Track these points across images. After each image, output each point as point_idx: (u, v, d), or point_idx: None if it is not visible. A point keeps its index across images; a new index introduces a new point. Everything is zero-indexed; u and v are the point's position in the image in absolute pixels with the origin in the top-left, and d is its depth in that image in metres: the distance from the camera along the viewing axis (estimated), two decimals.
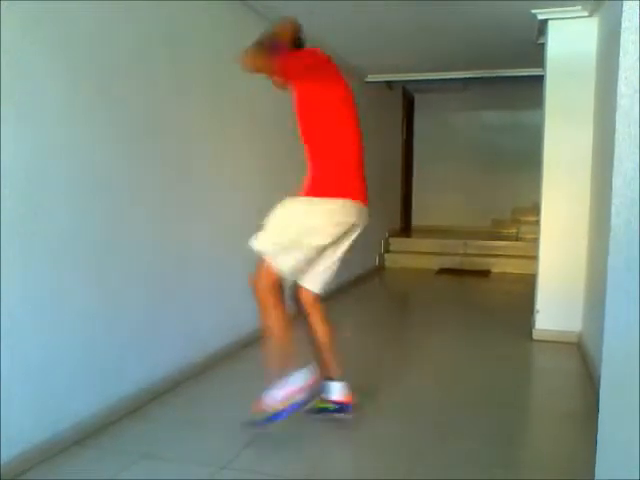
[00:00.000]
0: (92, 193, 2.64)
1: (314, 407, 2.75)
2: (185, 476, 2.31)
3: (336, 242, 2.60)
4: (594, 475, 1.49)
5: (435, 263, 7.53)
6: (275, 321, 2.59)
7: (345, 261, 2.72)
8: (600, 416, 1.45)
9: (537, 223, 4.35)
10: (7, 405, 2.24)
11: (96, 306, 2.68)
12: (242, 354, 3.85)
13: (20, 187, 2.26)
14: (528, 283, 4.63)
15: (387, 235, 7.95)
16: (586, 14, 3.95)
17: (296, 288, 2.73)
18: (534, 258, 4.42)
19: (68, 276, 2.51)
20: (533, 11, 4.01)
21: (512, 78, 6.33)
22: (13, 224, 2.23)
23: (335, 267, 2.72)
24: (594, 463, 1.48)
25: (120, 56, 2.79)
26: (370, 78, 6.51)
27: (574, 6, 3.91)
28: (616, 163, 1.32)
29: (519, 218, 8.21)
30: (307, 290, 2.74)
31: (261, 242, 2.55)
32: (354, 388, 2.97)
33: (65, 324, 2.51)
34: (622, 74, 1.31)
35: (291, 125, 2.64)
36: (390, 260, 7.77)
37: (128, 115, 2.86)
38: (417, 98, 9.10)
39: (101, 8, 2.63)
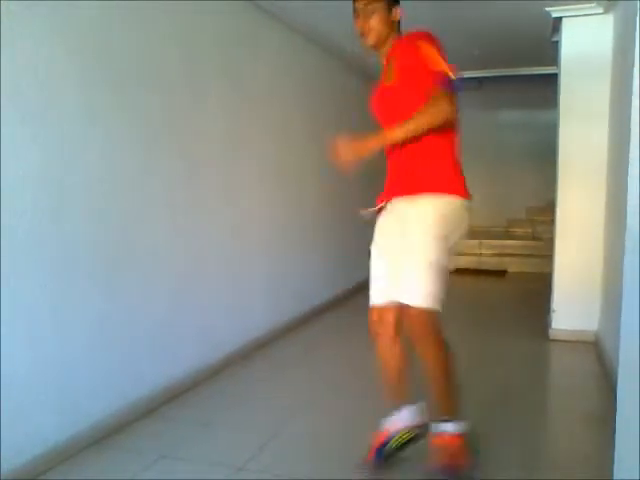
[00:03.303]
0: (108, 195, 2.67)
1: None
2: (202, 477, 2.32)
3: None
4: (612, 475, 1.49)
5: (451, 263, 7.48)
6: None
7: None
8: (618, 416, 1.45)
9: (552, 222, 4.31)
10: (27, 407, 2.28)
11: (113, 308, 2.71)
12: (258, 355, 3.87)
13: (38, 191, 2.30)
14: (545, 283, 4.59)
15: None
16: (601, 11, 3.92)
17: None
18: (550, 257, 4.39)
19: (86, 278, 2.55)
20: (547, 9, 3.98)
21: (526, 76, 6.29)
22: (33, 228, 2.27)
23: None
24: (612, 463, 1.48)
25: (134, 58, 2.82)
26: None
27: (589, 3, 3.88)
28: (631, 163, 1.31)
29: (534, 217, 8.15)
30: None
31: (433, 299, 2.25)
32: (370, 389, 2.97)
33: (83, 326, 2.54)
34: (637, 72, 1.30)
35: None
36: None
37: (142, 117, 2.89)
38: None
39: (116, 10, 2.67)
